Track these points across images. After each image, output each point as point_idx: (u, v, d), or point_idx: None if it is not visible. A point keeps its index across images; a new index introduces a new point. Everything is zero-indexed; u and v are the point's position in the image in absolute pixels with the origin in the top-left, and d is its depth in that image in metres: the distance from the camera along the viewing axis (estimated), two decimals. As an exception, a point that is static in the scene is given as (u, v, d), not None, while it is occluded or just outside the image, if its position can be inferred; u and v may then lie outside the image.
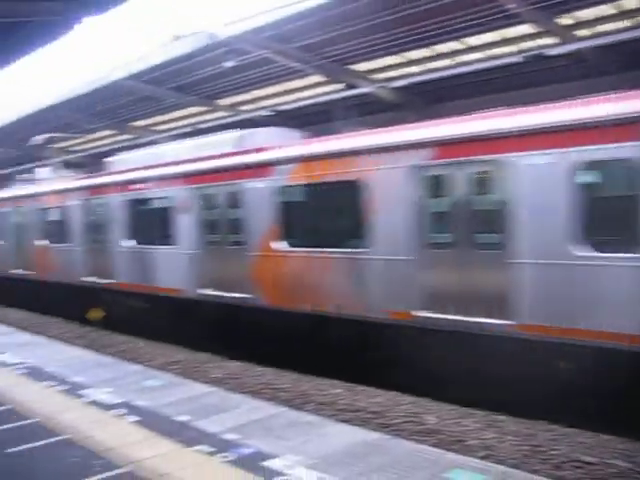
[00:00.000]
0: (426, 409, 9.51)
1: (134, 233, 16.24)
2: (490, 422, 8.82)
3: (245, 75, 21.08)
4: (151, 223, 15.81)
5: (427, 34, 16.65)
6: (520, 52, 16.56)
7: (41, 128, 26.57)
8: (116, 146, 31.17)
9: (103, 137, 32.91)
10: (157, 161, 15.83)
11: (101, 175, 18.42)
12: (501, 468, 5.59)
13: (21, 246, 22.44)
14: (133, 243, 16.19)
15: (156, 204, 15.57)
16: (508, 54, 16.94)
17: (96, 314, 17.48)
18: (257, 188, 12.71)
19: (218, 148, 13.96)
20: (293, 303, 11.89)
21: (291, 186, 12.13)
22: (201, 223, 14.03)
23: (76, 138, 32.50)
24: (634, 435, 7.69)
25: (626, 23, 14.87)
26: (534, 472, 6.63)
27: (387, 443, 6.08)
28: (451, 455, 5.86)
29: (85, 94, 23.83)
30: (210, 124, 25.66)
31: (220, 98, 24.74)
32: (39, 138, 21.60)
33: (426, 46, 17.66)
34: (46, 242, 20.67)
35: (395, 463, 5.48)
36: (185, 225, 14.31)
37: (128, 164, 17.12)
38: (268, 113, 22.28)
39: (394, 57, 18.85)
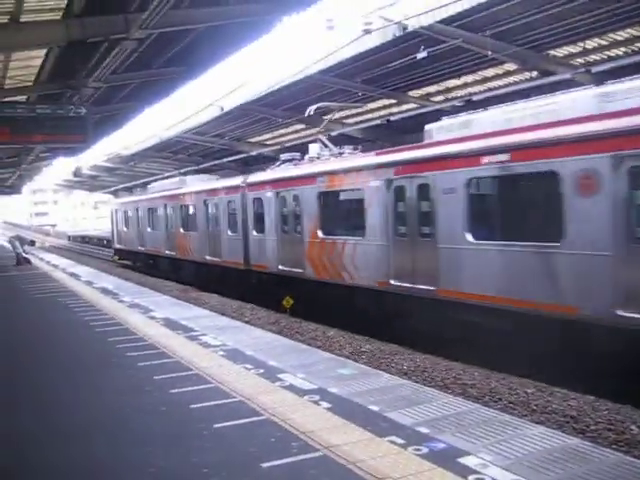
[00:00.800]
0: (628, 417, 8.93)
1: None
2: None
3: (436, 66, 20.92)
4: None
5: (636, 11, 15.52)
6: None
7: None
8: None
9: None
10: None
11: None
12: None
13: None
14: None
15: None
16: None
17: (287, 302, 18.22)
18: None
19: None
20: None
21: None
22: None
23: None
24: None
25: None
26: None
27: (588, 450, 5.74)
28: (661, 470, 5.42)
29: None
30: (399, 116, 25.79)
31: (411, 90, 24.74)
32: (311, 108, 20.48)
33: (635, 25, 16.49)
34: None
35: (597, 473, 5.16)
36: None
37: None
38: (460, 103, 21.92)
39: (597, 39, 17.81)
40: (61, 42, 13.50)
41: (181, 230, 28.87)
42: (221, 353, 10.23)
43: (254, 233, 21.22)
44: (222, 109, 28.47)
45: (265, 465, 5.56)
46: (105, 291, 19.38)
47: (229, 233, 23.32)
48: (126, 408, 7.64)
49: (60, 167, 54.85)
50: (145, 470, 5.69)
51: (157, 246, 32.52)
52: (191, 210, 27.96)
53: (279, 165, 21.18)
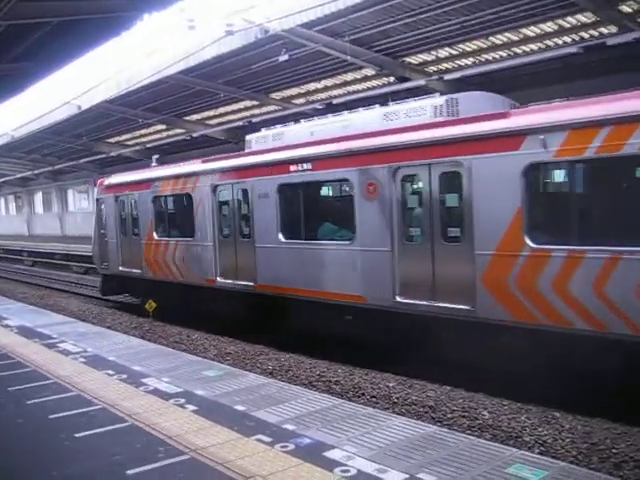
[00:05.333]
0: (480, 404, 9.48)
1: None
2: (545, 418, 8.75)
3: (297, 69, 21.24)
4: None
5: (481, 25, 16.52)
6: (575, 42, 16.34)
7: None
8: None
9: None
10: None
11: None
12: (562, 464, 5.55)
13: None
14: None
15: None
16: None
17: (150, 306, 17.81)
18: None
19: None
20: None
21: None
22: None
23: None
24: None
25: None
26: (594, 470, 6.53)
27: (445, 436, 6.08)
28: (509, 450, 5.83)
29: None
30: (260, 118, 25.95)
31: (272, 92, 24.94)
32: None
33: (481, 38, 17.53)
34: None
35: (454, 456, 5.48)
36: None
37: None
38: (319, 106, 22.34)
39: (448, 49, 18.76)
40: None
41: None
42: (82, 360, 9.88)
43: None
44: (79, 108, 27.41)
45: (131, 472, 5.43)
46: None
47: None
48: (-23, 423, 7.20)
49: None
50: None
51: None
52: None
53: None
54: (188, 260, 16.52)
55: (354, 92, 22.98)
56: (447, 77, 18.89)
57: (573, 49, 15.86)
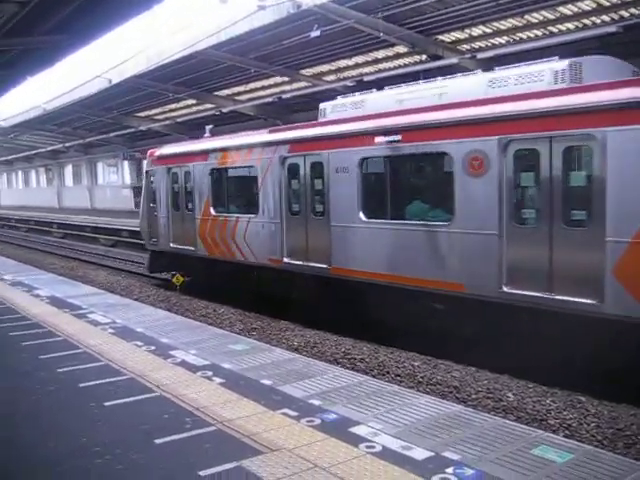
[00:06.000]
0: (505, 386, 9.46)
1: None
2: (571, 402, 8.72)
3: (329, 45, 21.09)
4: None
5: (517, 3, 16.25)
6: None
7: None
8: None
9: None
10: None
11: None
12: (588, 448, 5.52)
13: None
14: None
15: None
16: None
17: (177, 279, 17.98)
18: None
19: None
20: None
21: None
22: None
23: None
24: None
25: None
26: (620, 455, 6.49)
27: (470, 416, 6.08)
28: (535, 432, 5.81)
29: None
30: (290, 94, 25.88)
31: (303, 68, 24.83)
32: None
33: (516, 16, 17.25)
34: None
35: (480, 436, 5.48)
36: None
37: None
38: (351, 84, 22.21)
39: (482, 27, 18.50)
40: None
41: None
42: (110, 331, 10.01)
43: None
44: (110, 82, 27.55)
45: (159, 441, 5.51)
46: (-17, 269, 18.43)
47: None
48: (11, 389, 7.35)
49: None
50: (35, 452, 5.51)
51: None
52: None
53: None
54: (250, 238, 15.28)
55: (385, 70, 22.81)
56: (480, 56, 18.63)
57: (612, 28, 15.52)
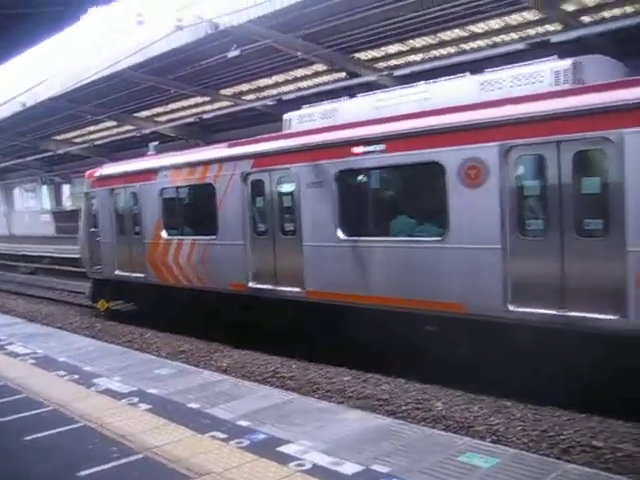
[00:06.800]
0: (433, 396, 9.59)
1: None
2: (497, 408, 8.89)
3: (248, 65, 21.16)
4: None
5: (430, 22, 16.71)
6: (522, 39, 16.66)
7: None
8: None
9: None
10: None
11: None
12: (513, 451, 5.67)
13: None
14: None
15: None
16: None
17: (102, 305, 17.57)
18: None
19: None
20: None
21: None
22: None
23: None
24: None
25: (629, 9, 14.91)
26: (543, 456, 6.68)
27: (398, 428, 6.15)
28: (462, 439, 5.93)
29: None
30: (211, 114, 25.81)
31: (223, 88, 24.81)
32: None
33: (430, 34, 17.74)
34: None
35: (408, 447, 5.55)
36: None
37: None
38: (271, 102, 22.33)
39: (398, 45, 18.93)
40: None
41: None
42: (31, 361, 9.69)
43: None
44: (24, 105, 26.81)
45: (84, 473, 5.35)
46: None
47: None
48: None
49: None
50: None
51: None
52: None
53: None
54: (209, 262, 14.12)
55: (305, 88, 23.01)
56: (397, 73, 19.06)
57: (520, 45, 16.16)
